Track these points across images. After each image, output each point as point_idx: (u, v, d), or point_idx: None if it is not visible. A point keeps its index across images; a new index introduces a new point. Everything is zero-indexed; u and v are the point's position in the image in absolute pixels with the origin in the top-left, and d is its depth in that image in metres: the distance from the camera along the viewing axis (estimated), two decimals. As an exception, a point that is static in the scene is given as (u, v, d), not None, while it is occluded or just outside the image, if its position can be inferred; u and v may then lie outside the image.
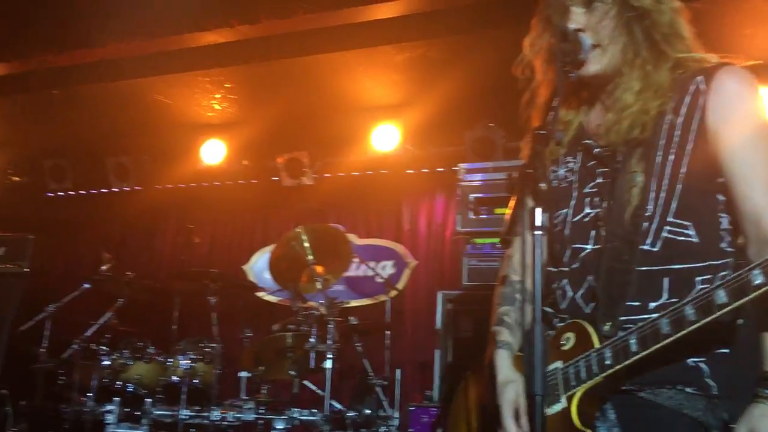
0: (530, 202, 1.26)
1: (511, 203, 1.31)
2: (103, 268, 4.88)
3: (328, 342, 3.98)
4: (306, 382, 4.43)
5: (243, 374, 4.41)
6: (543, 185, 1.24)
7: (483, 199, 4.37)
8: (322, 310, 4.24)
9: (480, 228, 4.37)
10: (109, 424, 3.82)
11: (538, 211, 1.24)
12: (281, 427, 3.90)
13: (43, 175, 6.40)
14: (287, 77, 4.98)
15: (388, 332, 4.96)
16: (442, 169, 5.75)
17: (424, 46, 4.47)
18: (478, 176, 4.45)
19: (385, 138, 5.49)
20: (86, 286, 4.84)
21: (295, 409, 3.97)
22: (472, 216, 4.39)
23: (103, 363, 4.16)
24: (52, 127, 5.85)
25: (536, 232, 1.23)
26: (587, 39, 1.55)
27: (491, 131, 5.16)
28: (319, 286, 4.32)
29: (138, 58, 4.77)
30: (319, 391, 4.22)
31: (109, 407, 3.87)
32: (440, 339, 4.18)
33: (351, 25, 4.17)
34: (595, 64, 1.58)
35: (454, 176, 5.61)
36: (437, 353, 4.18)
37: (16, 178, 6.56)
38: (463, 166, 4.62)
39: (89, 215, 6.65)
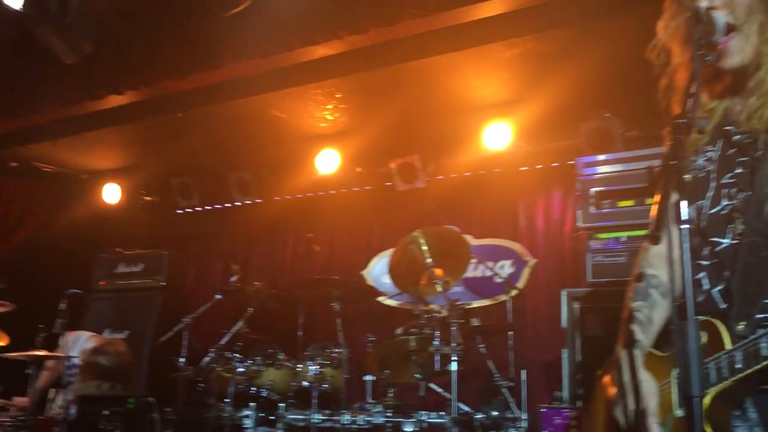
0: (675, 195, 1.21)
1: (656, 197, 1.25)
2: (233, 279, 5.11)
3: (452, 344, 3.98)
4: (432, 385, 4.44)
5: (368, 378, 4.50)
6: (687, 177, 1.18)
7: (604, 193, 4.24)
8: (444, 312, 4.24)
9: (602, 222, 4.23)
10: (247, 428, 3.98)
11: (684, 204, 1.18)
12: (410, 429, 3.94)
13: (172, 194, 6.79)
14: (396, 83, 5.03)
15: (510, 333, 4.90)
16: (557, 164, 5.62)
17: (533, 40, 4.38)
18: (598, 169, 4.32)
19: (497, 136, 5.42)
20: (218, 297, 5.08)
21: (423, 412, 4.00)
22: (593, 210, 4.26)
23: (238, 370, 4.34)
24: (178, 148, 6.20)
25: (683, 226, 1.17)
26: (721, 18, 1.46)
27: (608, 122, 4.98)
28: (439, 288, 4.33)
29: (253, 76, 4.95)
30: (445, 394, 4.22)
31: (246, 412, 4.04)
32: (567, 338, 4.07)
33: (457, 25, 4.14)
34: (735, 56, 1.48)
35: (569, 171, 5.47)
36: (564, 353, 4.07)
37: (148, 198, 6.99)
38: (581, 159, 4.49)
39: (216, 229, 6.99)
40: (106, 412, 3.88)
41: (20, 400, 4.29)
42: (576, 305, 4.14)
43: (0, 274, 6.43)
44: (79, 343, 4.79)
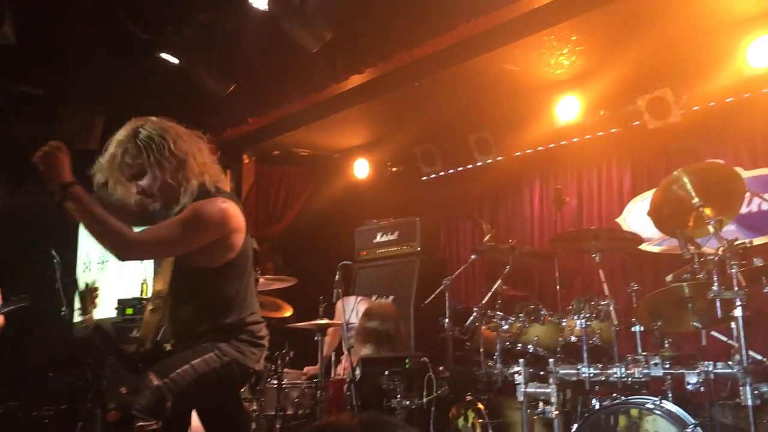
0: None
1: None
2: (486, 238, 5.16)
3: (735, 288, 3.62)
4: (714, 333, 4.10)
5: (636, 329, 4.28)
6: None
7: None
8: (720, 254, 3.87)
9: None
10: (518, 384, 4.01)
11: None
12: (694, 381, 3.67)
13: (416, 162, 7.01)
14: (638, 12, 4.64)
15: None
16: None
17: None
18: None
19: (763, 52, 4.78)
20: (473, 257, 5.17)
21: (707, 362, 3.70)
22: None
23: (503, 327, 4.39)
24: (418, 117, 6.35)
25: None
26: None
27: None
28: (711, 229, 3.96)
29: (484, 33, 4.90)
30: (731, 342, 3.87)
31: (515, 368, 4.07)
32: None
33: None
34: None
35: None
36: None
37: (395, 168, 7.30)
38: None
39: (461, 191, 7.10)
40: (386, 372, 4.16)
41: (311, 369, 4.75)
42: None
43: (276, 251, 7.19)
44: (350, 306, 5.15)
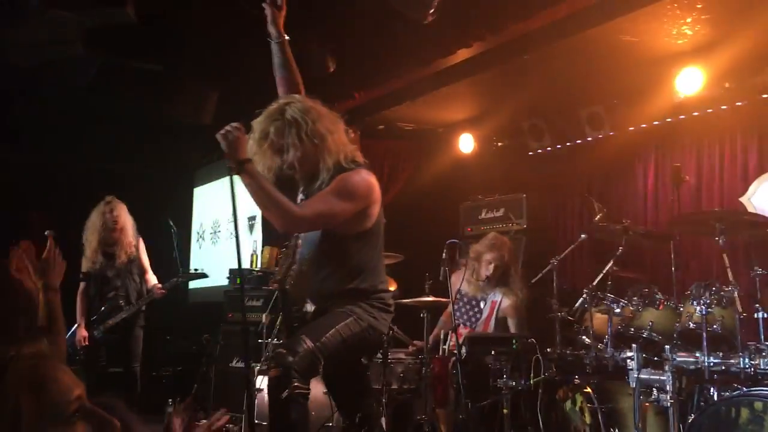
0: None
1: None
2: (597, 218, 4.98)
3: None
4: None
5: (760, 316, 4.03)
6: None
7: None
8: None
9: None
10: (631, 369, 3.87)
11: None
12: (831, 375, 3.43)
13: (523, 136, 6.85)
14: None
15: None
16: None
17: None
18: None
19: None
20: (583, 236, 5.01)
21: None
22: None
23: (615, 311, 4.24)
24: (526, 91, 6.18)
25: None
26: None
27: None
28: None
29: (598, 3, 4.69)
30: None
31: (628, 353, 3.92)
32: None
33: None
34: None
35: None
36: None
37: (501, 143, 7.15)
38: None
39: (570, 168, 6.88)
40: (492, 352, 4.12)
41: (418, 343, 4.77)
42: None
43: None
44: (460, 278, 5.12)
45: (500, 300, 4.95)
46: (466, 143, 7.20)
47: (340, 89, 6.42)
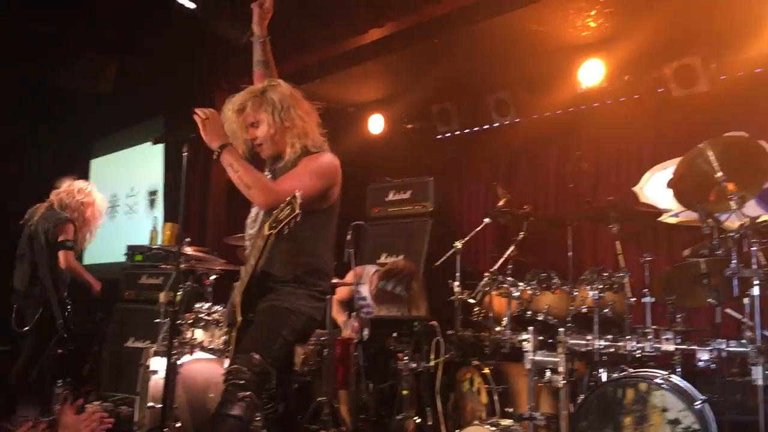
0: None
1: None
2: (500, 203, 5.08)
3: (753, 266, 3.55)
4: (728, 310, 4.05)
5: (647, 300, 4.24)
6: None
7: None
8: (741, 231, 3.79)
9: None
10: (526, 351, 3.98)
11: None
12: (706, 358, 3.64)
13: (432, 120, 6.88)
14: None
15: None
16: None
17: None
18: None
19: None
20: (486, 221, 5.10)
21: (720, 340, 3.66)
22: None
23: (514, 294, 4.35)
24: (436, 74, 6.22)
25: None
26: None
27: None
28: (733, 204, 3.87)
29: (509, -10, 4.76)
30: (745, 320, 3.82)
31: (524, 336, 4.04)
32: None
33: None
34: None
35: None
36: None
37: (410, 126, 7.16)
38: None
39: (476, 152, 6.98)
40: (394, 334, 4.14)
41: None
42: None
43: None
44: (367, 276, 5.11)
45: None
46: (376, 124, 7.18)
47: (248, 64, 6.24)
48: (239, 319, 2.91)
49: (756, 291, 3.52)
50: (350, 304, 4.80)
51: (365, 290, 4.99)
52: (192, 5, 5.44)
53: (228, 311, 3.09)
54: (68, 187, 5.39)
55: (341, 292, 4.95)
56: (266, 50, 3.50)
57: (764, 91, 5.20)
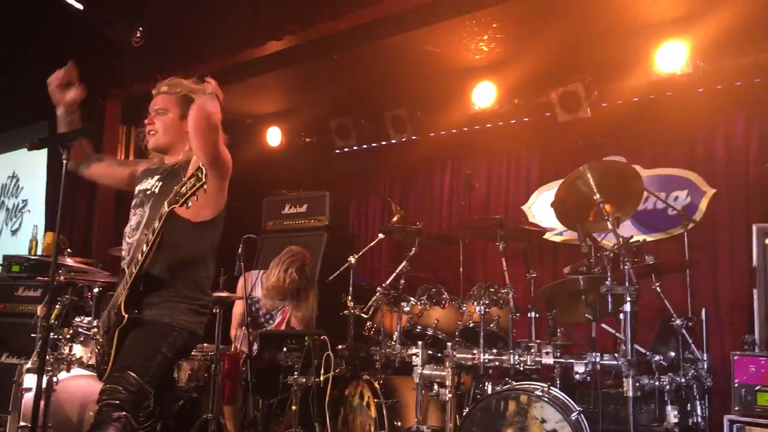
0: None
1: None
2: (394, 219, 5.15)
3: (626, 284, 3.77)
4: (604, 326, 4.28)
5: (532, 315, 4.41)
6: None
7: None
8: (615, 250, 4.02)
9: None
10: (415, 365, 4.05)
11: None
12: (582, 371, 3.82)
13: (330, 134, 6.90)
14: (556, 6, 4.72)
15: (688, 270, 4.59)
16: (739, 83, 5.08)
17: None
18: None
19: (671, 57, 4.96)
20: (381, 236, 5.16)
21: (595, 353, 3.86)
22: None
23: (405, 309, 4.41)
24: (335, 89, 6.27)
25: None
26: None
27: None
28: (609, 225, 4.10)
29: (407, 11, 4.86)
30: (618, 335, 4.05)
31: (414, 350, 4.11)
32: (759, 278, 3.73)
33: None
34: None
35: (754, 91, 4.94)
36: (756, 293, 3.74)
37: (308, 139, 7.16)
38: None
39: (373, 168, 7.07)
40: (284, 349, 4.10)
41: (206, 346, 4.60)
42: (769, 241, 3.77)
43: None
44: (252, 281, 5.03)
45: (291, 312, 4.90)
46: (274, 136, 7.13)
47: (141, 69, 6.07)
48: (125, 315, 2.76)
49: (628, 307, 3.73)
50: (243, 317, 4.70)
51: (258, 292, 4.91)
52: (79, 6, 5.23)
53: (107, 316, 2.91)
54: None
55: (238, 306, 4.86)
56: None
57: (640, 118, 5.57)
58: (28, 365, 4.14)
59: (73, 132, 3.01)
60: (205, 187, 2.53)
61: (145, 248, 2.77)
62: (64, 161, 2.90)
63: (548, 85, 5.59)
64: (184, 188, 2.58)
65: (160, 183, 2.99)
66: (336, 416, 4.28)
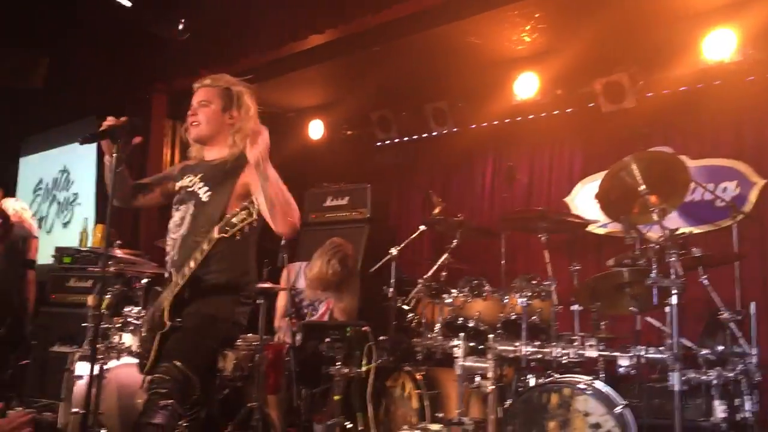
0: None
1: None
2: (435, 211, 5.15)
3: (672, 277, 3.71)
4: (649, 319, 4.21)
5: (575, 308, 4.37)
6: None
7: None
8: (660, 242, 3.95)
9: None
10: (457, 357, 4.05)
11: None
12: (626, 364, 3.77)
13: (371, 127, 6.93)
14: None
15: (737, 263, 4.49)
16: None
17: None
18: None
19: (719, 45, 4.85)
20: (422, 228, 5.16)
21: (640, 347, 3.81)
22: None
23: (446, 300, 4.42)
24: (377, 82, 6.28)
25: None
26: None
27: None
28: (654, 217, 4.03)
29: (449, 3, 4.85)
30: (664, 328, 3.98)
31: (455, 342, 4.10)
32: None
33: None
34: None
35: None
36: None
37: (350, 132, 7.20)
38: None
39: (414, 160, 7.07)
40: (327, 339, 4.15)
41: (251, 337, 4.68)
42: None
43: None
44: (295, 272, 5.09)
45: (334, 303, 4.95)
46: (316, 129, 7.19)
47: (185, 64, 6.18)
48: (167, 323, 2.85)
49: (674, 300, 3.67)
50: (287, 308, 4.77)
51: (302, 283, 4.98)
52: (128, 3, 5.35)
53: (152, 315, 3.00)
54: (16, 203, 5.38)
55: (282, 298, 4.93)
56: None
57: (687, 108, 5.45)
58: (80, 353, 4.27)
59: (123, 126, 3.06)
60: (255, 224, 2.61)
61: (192, 264, 2.82)
62: (114, 155, 2.96)
63: (592, 75, 5.51)
64: (235, 218, 2.63)
65: (203, 183, 3.02)
66: (378, 407, 4.31)
